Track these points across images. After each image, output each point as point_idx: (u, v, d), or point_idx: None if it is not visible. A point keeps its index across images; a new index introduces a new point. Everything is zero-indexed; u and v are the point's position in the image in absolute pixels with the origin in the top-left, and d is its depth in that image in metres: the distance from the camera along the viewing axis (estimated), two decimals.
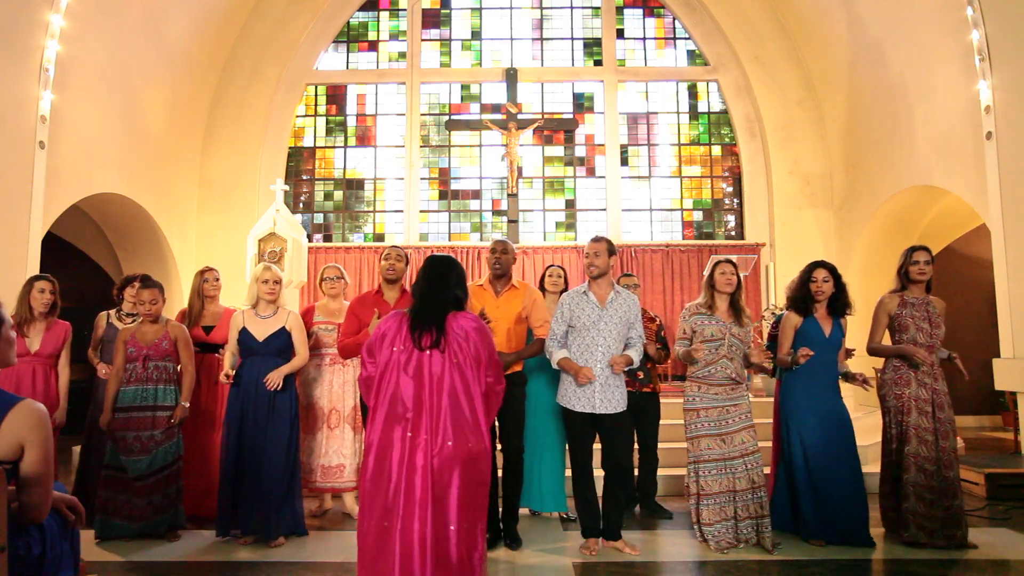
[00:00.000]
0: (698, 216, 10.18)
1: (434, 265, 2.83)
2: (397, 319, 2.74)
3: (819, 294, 3.95)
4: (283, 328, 4.02)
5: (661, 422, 4.78)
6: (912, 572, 3.50)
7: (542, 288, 4.62)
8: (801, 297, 4.01)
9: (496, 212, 10.15)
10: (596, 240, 3.85)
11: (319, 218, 10.22)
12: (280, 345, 4.01)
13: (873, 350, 4.06)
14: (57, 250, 8.28)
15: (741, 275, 3.99)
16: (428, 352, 2.63)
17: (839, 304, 3.96)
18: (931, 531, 3.79)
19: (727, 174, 10.20)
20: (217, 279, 4.76)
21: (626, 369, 3.82)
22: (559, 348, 3.79)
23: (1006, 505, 4.76)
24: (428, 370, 2.62)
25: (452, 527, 2.50)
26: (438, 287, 2.75)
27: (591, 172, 10.23)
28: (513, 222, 9.75)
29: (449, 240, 9.95)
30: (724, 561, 3.61)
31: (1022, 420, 6.41)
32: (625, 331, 3.80)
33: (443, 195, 10.24)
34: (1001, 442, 7.73)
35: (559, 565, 3.59)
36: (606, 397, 3.70)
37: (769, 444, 4.66)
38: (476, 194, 10.22)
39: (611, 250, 3.84)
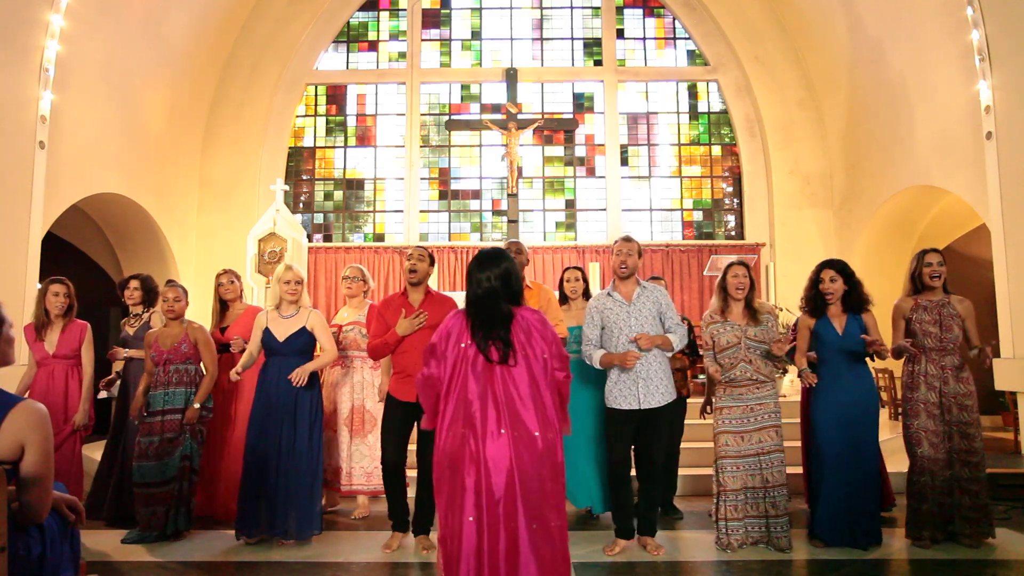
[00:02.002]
0: (698, 216, 10.19)
1: (484, 267, 2.68)
2: (460, 319, 2.67)
3: (828, 294, 3.93)
4: (303, 328, 4.01)
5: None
6: (913, 571, 3.50)
7: (562, 294, 4.59)
8: (812, 298, 3.99)
9: (496, 212, 10.16)
10: (628, 240, 3.88)
11: (319, 218, 10.23)
12: (301, 345, 4.00)
13: (892, 352, 4.06)
14: (57, 250, 8.28)
15: (754, 277, 3.97)
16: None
17: (854, 301, 3.94)
18: (944, 531, 3.80)
19: (727, 174, 10.21)
20: (232, 281, 4.74)
21: (669, 353, 3.82)
22: (596, 349, 3.81)
23: (1006, 505, 4.76)
24: (496, 369, 2.57)
25: (553, 524, 2.47)
26: (494, 297, 2.64)
27: (591, 172, 10.23)
28: (513, 222, 9.75)
29: (449, 240, 9.97)
30: (726, 560, 3.61)
31: (1022, 420, 6.41)
32: (657, 324, 3.80)
33: (443, 195, 10.25)
34: (1001, 442, 7.72)
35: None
36: (649, 390, 3.70)
37: (795, 443, 4.65)
38: (476, 194, 10.23)
39: (639, 251, 3.92)
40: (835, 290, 3.91)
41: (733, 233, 10.09)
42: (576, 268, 4.65)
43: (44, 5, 6.45)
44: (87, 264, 9.44)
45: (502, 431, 2.50)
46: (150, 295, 4.72)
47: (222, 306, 4.72)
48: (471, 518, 2.45)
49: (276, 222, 7.51)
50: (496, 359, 2.56)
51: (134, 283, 4.74)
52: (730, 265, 3.93)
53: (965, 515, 3.81)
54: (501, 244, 4.09)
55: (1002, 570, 3.53)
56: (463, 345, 2.60)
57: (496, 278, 2.66)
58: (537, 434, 2.51)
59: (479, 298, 2.66)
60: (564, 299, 4.57)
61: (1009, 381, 6.31)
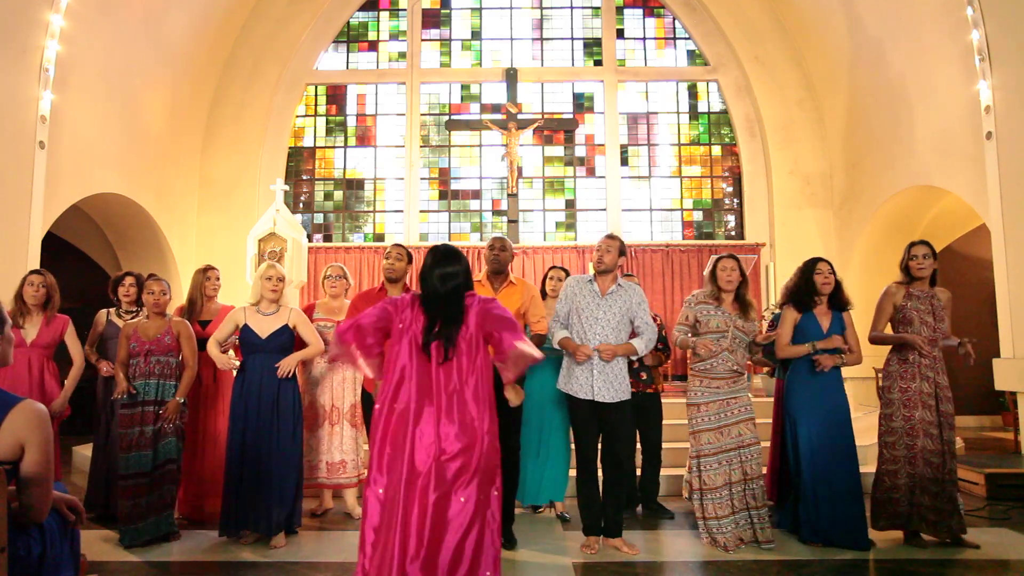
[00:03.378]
0: (698, 216, 10.19)
1: (450, 262, 2.69)
2: (411, 307, 2.68)
3: (826, 286, 3.93)
4: (285, 326, 4.02)
5: (663, 422, 4.78)
6: (912, 572, 3.49)
7: (543, 292, 4.63)
8: (805, 291, 3.98)
9: (496, 212, 10.16)
10: (610, 237, 3.91)
11: (319, 218, 10.23)
12: (283, 342, 4.01)
13: (875, 338, 4.04)
14: (57, 250, 8.28)
15: (745, 270, 3.97)
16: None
17: (839, 299, 3.96)
18: (934, 523, 3.80)
19: (727, 174, 10.21)
20: (219, 278, 4.79)
21: (632, 358, 3.82)
22: (560, 328, 3.81)
23: (1006, 505, 4.76)
24: (435, 362, 2.62)
25: (465, 516, 2.50)
26: (459, 295, 2.67)
27: (591, 172, 10.23)
28: (513, 222, 9.75)
29: (449, 240, 9.97)
30: (724, 560, 3.61)
31: (1022, 420, 6.41)
32: (625, 323, 3.80)
33: (443, 195, 10.25)
34: (1001, 442, 7.73)
35: (559, 565, 3.59)
36: (605, 383, 3.70)
37: (765, 443, 4.65)
38: (476, 194, 10.23)
39: (622, 250, 3.89)
40: (832, 282, 3.94)
41: (733, 233, 10.09)
42: (561, 268, 4.72)
43: (44, 5, 6.45)
44: (87, 264, 9.44)
45: (440, 418, 2.55)
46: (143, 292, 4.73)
47: (200, 300, 4.70)
48: (393, 494, 2.50)
49: (276, 222, 7.50)
50: (439, 360, 2.60)
51: (129, 280, 4.76)
52: (719, 258, 3.94)
53: (956, 509, 3.81)
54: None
55: (1002, 570, 3.54)
56: (404, 330, 2.64)
57: (462, 275, 2.69)
58: (476, 423, 2.57)
59: (447, 295, 2.67)
60: (543, 294, 4.61)
61: (1009, 381, 6.31)
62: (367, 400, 3.87)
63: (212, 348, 4.03)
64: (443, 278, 2.68)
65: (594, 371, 3.70)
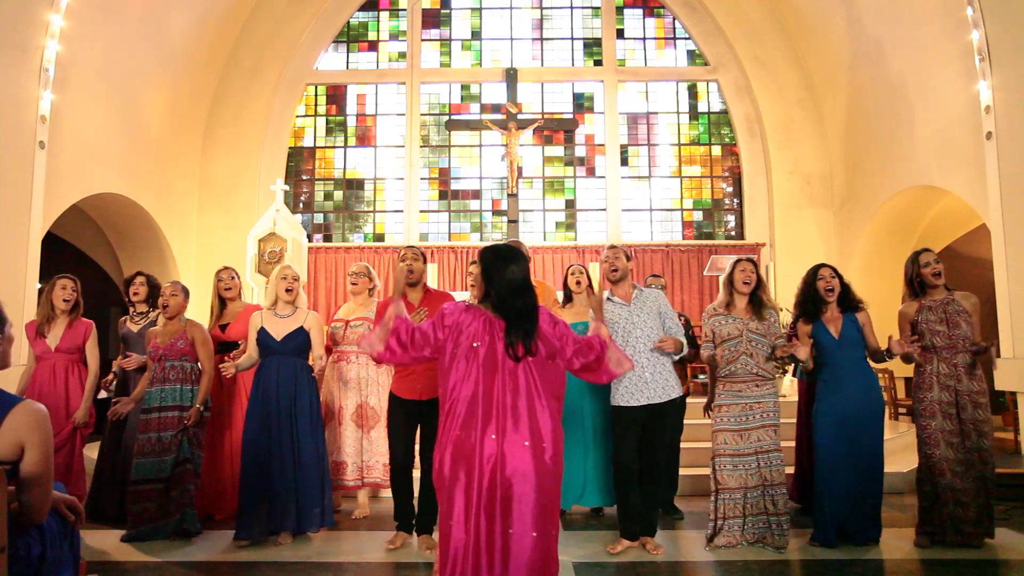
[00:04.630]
0: (698, 216, 10.19)
1: (517, 259, 2.57)
2: (477, 317, 2.53)
3: (829, 293, 3.93)
4: (301, 328, 4.02)
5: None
6: (913, 571, 3.50)
7: (567, 290, 4.63)
8: (810, 299, 3.98)
9: (496, 212, 10.16)
10: (613, 247, 4.01)
11: (319, 218, 10.23)
12: (298, 344, 4.00)
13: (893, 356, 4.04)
14: (57, 250, 8.28)
15: (762, 274, 3.99)
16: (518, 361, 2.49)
17: (849, 301, 3.95)
18: (967, 533, 3.76)
19: (727, 174, 10.21)
20: (233, 278, 4.75)
21: (676, 357, 3.85)
22: None
23: (1006, 505, 4.76)
24: (507, 371, 2.48)
25: (534, 533, 2.40)
26: (526, 293, 2.54)
27: (591, 172, 10.23)
28: (513, 222, 9.75)
29: (449, 240, 9.97)
30: (728, 561, 3.60)
31: (1022, 420, 6.41)
32: (659, 322, 3.85)
33: (443, 195, 10.25)
34: (1001, 442, 7.71)
35: (559, 564, 3.58)
36: (659, 385, 3.74)
37: (789, 443, 4.64)
38: (476, 194, 10.23)
39: (627, 255, 4.01)
40: (835, 286, 3.93)
41: (733, 233, 10.09)
42: (580, 266, 4.69)
43: (44, 5, 6.45)
44: (87, 264, 9.44)
45: (516, 434, 2.43)
46: (154, 292, 4.72)
47: (220, 303, 4.71)
48: (466, 520, 2.40)
49: (276, 222, 7.51)
50: (521, 354, 2.47)
51: (140, 279, 4.75)
52: (738, 260, 3.98)
53: (979, 515, 3.80)
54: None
55: (1002, 570, 3.54)
56: (475, 344, 2.50)
57: (527, 270, 2.59)
58: (546, 445, 2.45)
59: (521, 289, 2.54)
60: (568, 296, 4.59)
61: (1009, 381, 6.31)
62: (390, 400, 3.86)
63: (242, 358, 4.10)
64: (518, 274, 2.57)
65: (645, 374, 3.74)
